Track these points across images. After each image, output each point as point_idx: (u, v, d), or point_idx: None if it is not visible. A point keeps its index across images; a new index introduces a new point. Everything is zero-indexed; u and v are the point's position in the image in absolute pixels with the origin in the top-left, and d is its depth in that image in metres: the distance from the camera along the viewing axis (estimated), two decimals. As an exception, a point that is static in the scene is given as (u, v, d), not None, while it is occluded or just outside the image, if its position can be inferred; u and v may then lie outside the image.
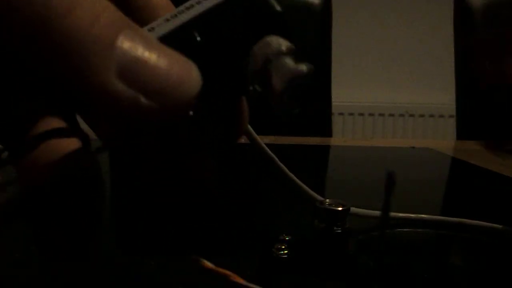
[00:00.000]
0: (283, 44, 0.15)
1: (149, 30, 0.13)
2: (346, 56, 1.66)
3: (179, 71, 0.12)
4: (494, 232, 0.32)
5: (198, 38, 0.13)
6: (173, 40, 0.13)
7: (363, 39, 1.71)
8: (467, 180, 0.54)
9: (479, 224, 0.32)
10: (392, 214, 0.32)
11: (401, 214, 0.33)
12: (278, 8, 0.15)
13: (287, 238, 0.22)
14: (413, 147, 0.72)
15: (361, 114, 1.73)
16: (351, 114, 1.72)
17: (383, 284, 0.25)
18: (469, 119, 0.95)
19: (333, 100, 0.98)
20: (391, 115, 1.73)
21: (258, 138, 0.22)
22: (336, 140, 0.90)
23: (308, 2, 0.97)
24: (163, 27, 0.13)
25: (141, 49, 0.12)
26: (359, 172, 0.56)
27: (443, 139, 1.65)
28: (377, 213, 0.32)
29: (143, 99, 0.11)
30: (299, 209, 0.36)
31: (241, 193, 0.43)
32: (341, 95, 1.59)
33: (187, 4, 0.14)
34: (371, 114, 1.73)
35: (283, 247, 0.22)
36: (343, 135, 1.71)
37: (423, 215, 0.33)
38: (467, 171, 0.58)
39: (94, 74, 0.11)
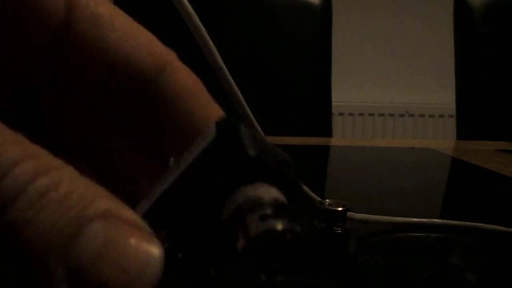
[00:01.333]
0: (268, 194, 0.12)
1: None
2: (346, 56, 1.66)
3: (143, 260, 0.11)
4: (495, 233, 0.32)
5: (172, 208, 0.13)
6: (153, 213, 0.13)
7: (363, 39, 1.71)
8: (467, 180, 0.54)
9: (480, 225, 0.32)
10: (392, 218, 0.32)
11: (400, 219, 0.33)
12: (252, 152, 0.12)
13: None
14: (413, 148, 0.72)
15: (361, 114, 1.73)
16: (351, 114, 1.72)
17: (383, 284, 0.25)
18: (469, 119, 0.95)
19: (333, 100, 0.98)
20: (391, 115, 1.73)
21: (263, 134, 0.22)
22: (336, 140, 0.90)
23: (308, 2, 0.97)
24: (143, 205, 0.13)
25: (100, 243, 0.11)
26: (359, 172, 0.56)
27: (443, 139, 1.65)
28: (374, 217, 0.32)
29: None
30: (299, 209, 0.36)
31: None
32: (341, 95, 1.59)
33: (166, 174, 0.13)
34: (371, 114, 1.73)
35: None
36: (343, 135, 1.71)
37: (423, 219, 0.33)
38: (467, 171, 0.58)
39: (40, 279, 0.10)
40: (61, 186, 0.10)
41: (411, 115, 1.73)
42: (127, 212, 0.11)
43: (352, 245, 0.22)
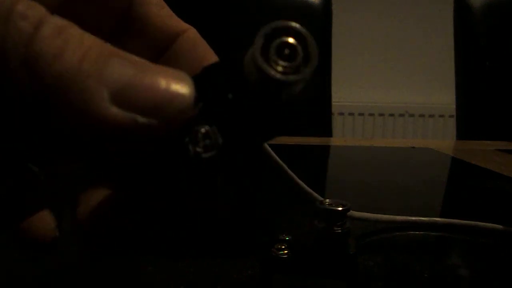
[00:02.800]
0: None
1: None
2: (346, 56, 1.66)
3: (172, 85, 0.13)
4: (494, 232, 0.32)
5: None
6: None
7: (363, 39, 1.71)
8: (467, 180, 0.54)
9: (479, 224, 0.32)
10: (393, 218, 0.32)
11: (400, 218, 0.33)
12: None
13: (287, 238, 0.22)
14: (413, 147, 0.72)
15: (361, 114, 1.73)
16: (351, 114, 1.72)
17: (383, 284, 0.25)
18: (469, 119, 0.95)
19: (333, 100, 0.98)
20: (391, 115, 1.73)
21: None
22: (336, 140, 0.90)
23: (308, 2, 0.97)
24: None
25: (131, 73, 0.12)
26: (359, 172, 0.56)
27: (443, 139, 1.65)
28: (374, 216, 0.32)
29: (140, 118, 0.12)
30: (299, 209, 0.36)
31: (241, 192, 0.43)
32: (341, 95, 1.59)
33: None
34: (371, 114, 1.73)
35: (283, 247, 0.22)
36: (343, 135, 1.71)
37: (423, 218, 0.33)
38: (467, 171, 0.58)
39: (89, 105, 0.12)
40: (72, 27, 0.12)
41: (411, 115, 1.73)
42: (135, 56, 0.13)
43: (352, 245, 0.22)
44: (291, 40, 0.13)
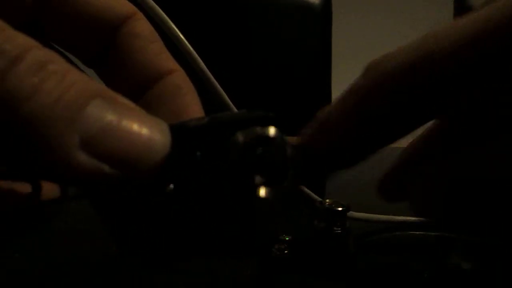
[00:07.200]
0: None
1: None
2: (346, 56, 1.66)
3: (147, 139, 0.12)
4: (494, 231, 0.32)
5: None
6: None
7: (363, 39, 1.71)
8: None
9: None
10: (393, 217, 0.32)
11: (400, 218, 0.33)
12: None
13: (287, 238, 0.22)
14: (413, 147, 0.72)
15: (361, 114, 1.73)
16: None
17: (383, 284, 0.25)
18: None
19: (333, 100, 0.98)
20: (391, 115, 1.73)
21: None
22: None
23: (308, 2, 0.97)
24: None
25: (108, 118, 0.12)
26: (359, 172, 0.56)
27: (443, 139, 1.65)
28: (374, 216, 0.32)
29: (107, 169, 0.11)
30: (299, 209, 0.36)
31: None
32: (341, 95, 1.59)
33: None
34: (371, 114, 1.73)
35: (283, 247, 0.22)
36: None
37: (423, 218, 0.33)
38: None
39: (55, 150, 0.11)
40: (55, 61, 0.11)
41: (411, 115, 1.73)
42: (120, 95, 0.12)
43: (352, 245, 0.22)
44: (270, 148, 0.13)
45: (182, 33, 0.20)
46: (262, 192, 0.13)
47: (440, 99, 0.15)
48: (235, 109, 0.21)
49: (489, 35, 0.13)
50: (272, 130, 0.13)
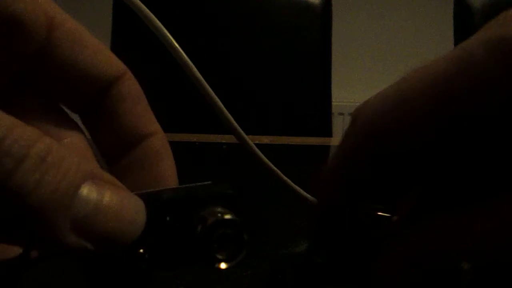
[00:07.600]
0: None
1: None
2: (346, 56, 1.66)
3: (130, 216, 0.14)
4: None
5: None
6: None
7: (363, 39, 1.72)
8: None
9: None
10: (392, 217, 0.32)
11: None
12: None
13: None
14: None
15: (361, 114, 1.73)
16: (351, 114, 1.72)
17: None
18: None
19: (333, 100, 0.98)
20: (391, 115, 1.73)
21: (248, 138, 0.22)
22: (336, 140, 0.90)
23: (308, 2, 0.97)
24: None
25: (95, 200, 0.13)
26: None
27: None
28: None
29: (90, 246, 0.13)
30: (293, 210, 0.36)
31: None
32: (341, 95, 1.59)
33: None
34: (371, 114, 1.73)
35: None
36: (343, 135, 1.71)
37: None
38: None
39: (49, 234, 0.13)
40: (52, 152, 0.13)
41: (411, 115, 1.73)
42: (105, 173, 0.14)
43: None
44: (230, 231, 0.15)
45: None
46: (222, 265, 0.15)
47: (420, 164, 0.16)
48: (231, 117, 0.21)
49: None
50: (233, 216, 0.15)
